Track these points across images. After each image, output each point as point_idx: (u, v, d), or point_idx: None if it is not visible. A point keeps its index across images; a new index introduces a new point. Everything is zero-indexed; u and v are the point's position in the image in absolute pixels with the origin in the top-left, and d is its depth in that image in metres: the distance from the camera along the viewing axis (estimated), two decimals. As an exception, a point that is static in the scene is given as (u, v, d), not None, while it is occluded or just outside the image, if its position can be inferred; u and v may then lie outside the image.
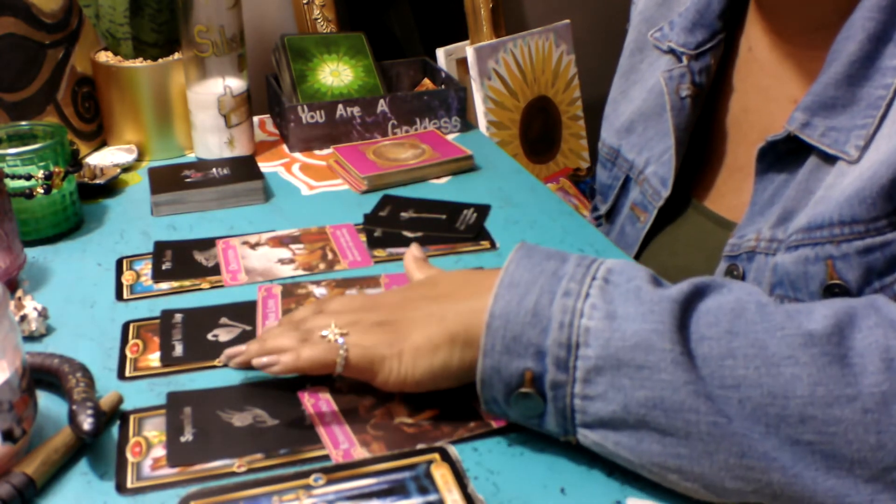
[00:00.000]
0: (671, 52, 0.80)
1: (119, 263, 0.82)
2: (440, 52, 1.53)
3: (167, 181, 0.96)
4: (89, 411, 0.56)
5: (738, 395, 0.49)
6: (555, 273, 0.54)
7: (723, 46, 0.78)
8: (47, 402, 0.62)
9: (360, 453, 0.57)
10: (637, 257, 0.84)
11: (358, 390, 0.63)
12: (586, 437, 0.54)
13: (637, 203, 0.84)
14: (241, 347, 0.62)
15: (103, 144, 1.09)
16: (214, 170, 0.99)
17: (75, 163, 0.88)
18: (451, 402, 0.61)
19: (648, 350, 0.50)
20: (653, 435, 0.51)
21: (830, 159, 0.64)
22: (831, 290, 0.62)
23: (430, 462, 0.56)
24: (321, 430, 0.59)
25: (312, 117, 1.08)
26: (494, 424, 0.59)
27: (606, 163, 0.89)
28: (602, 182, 0.91)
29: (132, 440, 0.59)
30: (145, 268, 0.81)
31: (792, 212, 0.66)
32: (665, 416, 0.50)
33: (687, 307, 0.52)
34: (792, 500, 0.49)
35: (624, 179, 0.86)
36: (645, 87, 0.85)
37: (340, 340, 0.59)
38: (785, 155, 0.68)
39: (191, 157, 1.08)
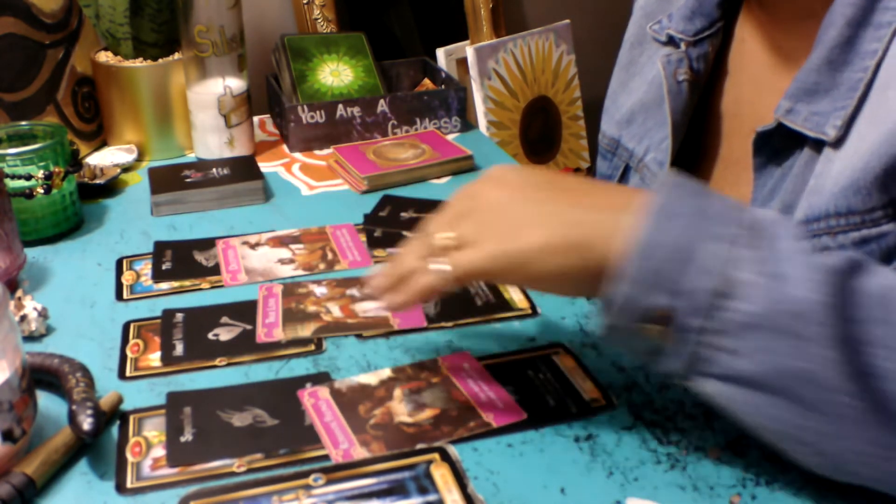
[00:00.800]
0: (670, 39, 0.81)
1: (119, 263, 0.82)
2: (440, 52, 1.53)
3: (167, 181, 0.96)
4: (89, 411, 0.56)
5: (894, 386, 0.48)
6: (705, 211, 0.51)
7: (721, 36, 0.79)
8: (47, 402, 0.62)
9: (359, 453, 0.57)
10: None
11: (357, 391, 0.63)
12: (707, 386, 0.52)
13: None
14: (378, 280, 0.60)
15: (103, 144, 1.09)
16: (214, 170, 0.99)
17: (75, 163, 0.88)
18: (450, 403, 0.61)
19: (811, 321, 0.48)
20: (794, 406, 0.49)
21: (818, 147, 0.65)
22: None
23: (429, 462, 0.56)
24: (321, 430, 0.59)
25: (312, 117, 1.08)
26: (494, 424, 0.60)
27: (607, 154, 0.90)
28: (602, 173, 0.91)
29: (132, 440, 0.59)
30: (145, 268, 0.81)
31: (790, 205, 0.66)
32: (814, 392, 0.48)
33: (850, 279, 0.50)
34: None
35: (623, 169, 0.87)
36: (644, 80, 0.86)
37: (436, 265, 0.56)
38: (780, 148, 0.69)
39: (191, 157, 1.08)
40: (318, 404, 0.61)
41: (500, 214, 0.55)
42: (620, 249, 0.51)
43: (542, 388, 0.63)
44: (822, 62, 0.64)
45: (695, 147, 0.82)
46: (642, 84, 0.86)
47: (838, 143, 0.62)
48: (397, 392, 0.63)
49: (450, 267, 0.55)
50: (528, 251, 0.53)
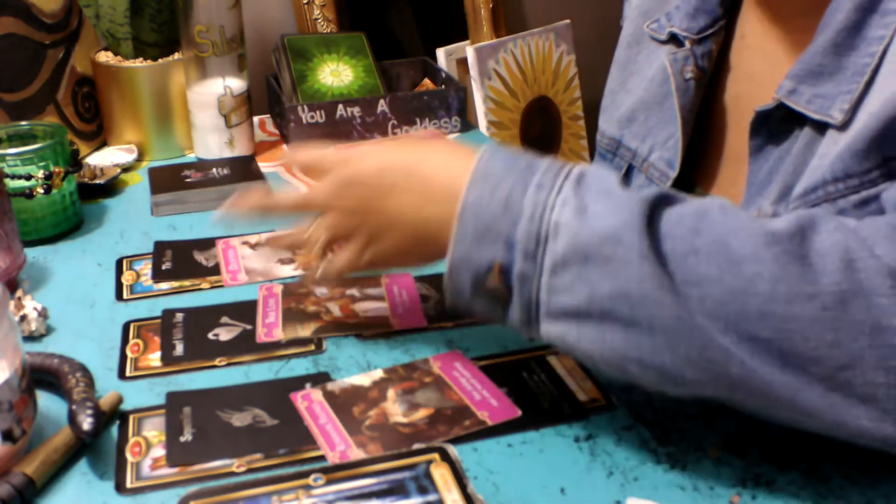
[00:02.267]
0: (673, 38, 0.82)
1: (119, 263, 0.82)
2: (440, 52, 1.53)
3: (167, 181, 0.96)
4: (89, 411, 0.56)
5: (700, 291, 0.50)
6: (529, 167, 0.55)
7: (724, 33, 0.80)
8: (47, 402, 0.62)
9: (356, 455, 0.57)
10: None
11: (350, 393, 0.63)
12: (549, 330, 0.54)
13: (642, 189, 0.84)
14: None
15: (103, 144, 1.09)
16: (214, 170, 0.99)
17: (75, 163, 0.88)
18: (445, 402, 0.61)
19: (616, 243, 0.51)
20: (616, 327, 0.51)
21: (821, 129, 0.65)
22: None
23: (429, 462, 0.56)
24: (316, 433, 0.59)
25: (312, 117, 1.08)
26: (489, 422, 0.60)
27: (606, 154, 0.90)
28: None
29: (132, 440, 0.59)
30: (145, 268, 0.81)
31: (791, 186, 0.67)
32: (630, 309, 0.51)
33: (655, 207, 0.53)
34: (748, 393, 0.50)
35: (626, 168, 0.87)
36: (644, 78, 0.85)
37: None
38: (777, 131, 0.69)
39: (191, 157, 1.08)
40: (311, 407, 0.61)
41: (364, 217, 0.62)
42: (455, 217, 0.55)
43: (537, 389, 0.63)
44: (828, 45, 0.65)
45: (697, 144, 0.82)
46: (642, 82, 0.86)
47: (844, 126, 0.63)
48: (390, 393, 0.63)
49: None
50: (387, 260, 0.63)
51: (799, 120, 0.67)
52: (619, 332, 0.51)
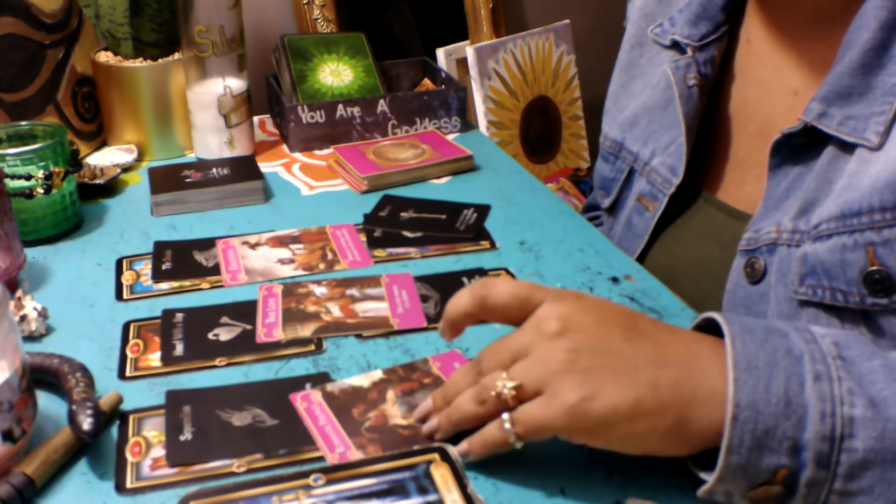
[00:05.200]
0: (675, 44, 0.81)
1: (119, 263, 0.82)
2: (440, 52, 1.53)
3: (167, 181, 0.96)
4: (89, 411, 0.56)
5: None
6: (790, 351, 0.49)
7: (727, 39, 0.79)
8: (47, 402, 0.62)
9: (356, 456, 0.57)
10: (647, 248, 0.83)
11: (349, 394, 0.63)
12: None
13: (644, 193, 0.83)
14: (433, 423, 0.57)
15: (103, 144, 1.09)
16: (214, 170, 0.99)
17: (75, 163, 0.88)
18: (451, 403, 0.62)
19: None
20: None
21: (849, 148, 0.64)
22: (872, 277, 0.61)
23: (429, 462, 0.56)
24: (315, 434, 0.59)
25: (312, 117, 1.08)
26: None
27: (609, 156, 0.89)
28: (604, 176, 0.91)
29: (132, 440, 0.59)
30: (145, 268, 0.82)
31: (813, 203, 0.66)
32: None
33: None
34: None
35: (628, 172, 0.86)
36: (647, 82, 0.85)
37: (507, 423, 0.51)
38: (799, 148, 0.69)
39: (191, 157, 1.08)
40: (311, 408, 0.61)
41: (574, 364, 0.50)
42: (718, 411, 0.49)
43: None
44: (855, 65, 0.64)
45: (701, 149, 0.81)
46: (645, 87, 0.85)
47: (879, 147, 0.62)
48: (390, 394, 0.63)
49: (510, 426, 0.51)
50: (613, 414, 0.49)
51: (823, 139, 0.66)
52: None
